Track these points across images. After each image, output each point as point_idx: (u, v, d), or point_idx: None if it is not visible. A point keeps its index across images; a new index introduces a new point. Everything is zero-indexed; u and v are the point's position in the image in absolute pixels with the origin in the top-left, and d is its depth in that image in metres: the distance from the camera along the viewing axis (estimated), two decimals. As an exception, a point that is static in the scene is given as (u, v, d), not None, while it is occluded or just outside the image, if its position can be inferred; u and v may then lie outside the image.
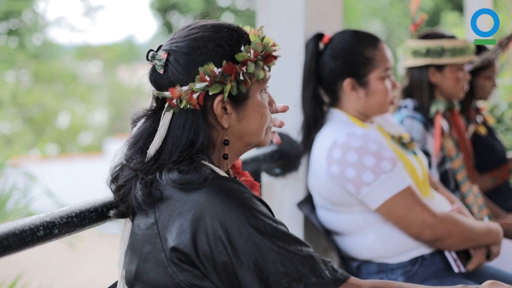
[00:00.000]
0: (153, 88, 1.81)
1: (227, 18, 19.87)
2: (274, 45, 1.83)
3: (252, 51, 1.78)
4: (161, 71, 1.77)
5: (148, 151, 1.76)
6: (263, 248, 1.65)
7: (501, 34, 10.36)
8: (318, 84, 2.91)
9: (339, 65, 2.83)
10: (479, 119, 4.15)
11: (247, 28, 1.84)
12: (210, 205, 1.66)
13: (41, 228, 1.71)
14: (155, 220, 1.71)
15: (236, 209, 1.66)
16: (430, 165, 3.38)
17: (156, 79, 1.79)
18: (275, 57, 1.84)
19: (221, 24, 1.82)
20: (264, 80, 1.83)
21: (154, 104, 1.81)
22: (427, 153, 3.38)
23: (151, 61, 1.80)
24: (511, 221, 3.62)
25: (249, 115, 1.82)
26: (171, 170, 1.71)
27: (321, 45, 2.92)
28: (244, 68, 1.76)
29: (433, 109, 3.52)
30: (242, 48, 1.78)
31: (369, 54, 2.81)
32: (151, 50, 1.81)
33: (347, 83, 2.81)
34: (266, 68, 1.82)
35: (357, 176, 2.64)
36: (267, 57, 1.81)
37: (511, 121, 5.35)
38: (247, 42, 1.80)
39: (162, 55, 1.78)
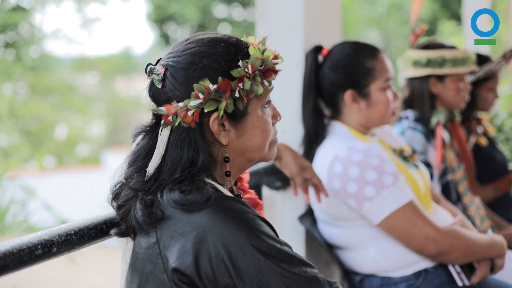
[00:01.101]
0: (152, 103, 1.77)
1: (224, 29, 19.85)
2: (276, 57, 1.77)
3: (250, 66, 1.72)
4: (159, 86, 1.74)
5: (147, 169, 1.73)
6: (266, 271, 1.61)
7: (499, 40, 10.36)
8: (318, 97, 2.88)
9: (339, 77, 2.80)
10: (479, 129, 4.12)
11: (251, 39, 1.79)
12: (213, 226, 1.62)
13: (39, 246, 1.67)
14: (156, 239, 1.67)
15: (239, 230, 1.62)
16: (431, 176, 3.35)
17: (155, 94, 1.76)
18: (275, 72, 1.78)
19: (219, 38, 1.77)
20: (264, 95, 1.78)
21: (153, 120, 1.77)
22: (428, 165, 3.35)
23: (149, 75, 1.76)
24: None
25: (249, 131, 1.78)
26: (173, 190, 1.67)
27: (320, 58, 2.89)
28: (240, 85, 1.71)
29: (433, 120, 3.49)
30: (240, 63, 1.72)
31: (369, 65, 2.78)
32: (149, 64, 1.77)
33: (348, 95, 2.78)
34: (265, 83, 1.76)
35: (359, 191, 2.61)
36: (266, 71, 1.75)
37: (511, 131, 5.33)
38: (246, 56, 1.75)
39: (160, 69, 1.74)
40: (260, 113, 1.79)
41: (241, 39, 1.80)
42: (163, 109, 1.71)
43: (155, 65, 1.78)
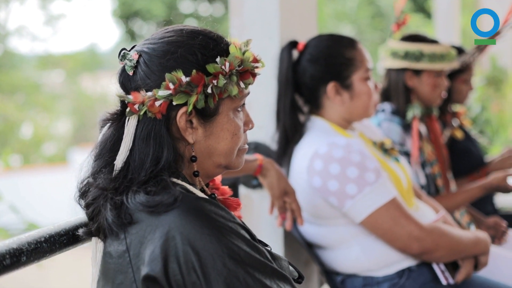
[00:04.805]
0: (120, 90, 1.68)
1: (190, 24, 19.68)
2: (256, 60, 1.69)
3: (227, 64, 1.64)
4: (131, 73, 1.65)
5: (115, 162, 1.64)
6: (238, 279, 1.51)
7: (465, 36, 10.39)
8: (296, 93, 2.79)
9: (320, 69, 2.72)
10: (455, 123, 4.08)
11: (234, 40, 1.70)
12: (183, 231, 1.52)
13: (7, 256, 1.57)
14: (126, 247, 1.58)
15: (210, 235, 1.52)
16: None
17: (124, 81, 1.67)
18: (254, 75, 1.70)
19: (199, 31, 1.69)
20: (239, 97, 1.69)
21: (120, 108, 1.68)
22: (408, 154, 3.30)
23: (121, 60, 1.67)
24: (491, 224, 3.58)
25: (218, 132, 1.69)
26: (138, 192, 1.58)
27: (296, 53, 2.80)
28: (214, 81, 1.63)
29: (409, 114, 3.44)
30: (218, 59, 1.64)
31: (350, 55, 2.72)
32: (123, 49, 1.68)
33: (331, 87, 2.70)
34: (242, 84, 1.68)
35: (340, 189, 2.53)
36: (244, 72, 1.68)
37: (485, 124, 5.32)
38: (225, 53, 1.67)
39: (134, 55, 1.66)
40: (232, 115, 1.70)
41: (224, 37, 1.72)
42: (130, 96, 1.63)
43: (130, 50, 1.69)
